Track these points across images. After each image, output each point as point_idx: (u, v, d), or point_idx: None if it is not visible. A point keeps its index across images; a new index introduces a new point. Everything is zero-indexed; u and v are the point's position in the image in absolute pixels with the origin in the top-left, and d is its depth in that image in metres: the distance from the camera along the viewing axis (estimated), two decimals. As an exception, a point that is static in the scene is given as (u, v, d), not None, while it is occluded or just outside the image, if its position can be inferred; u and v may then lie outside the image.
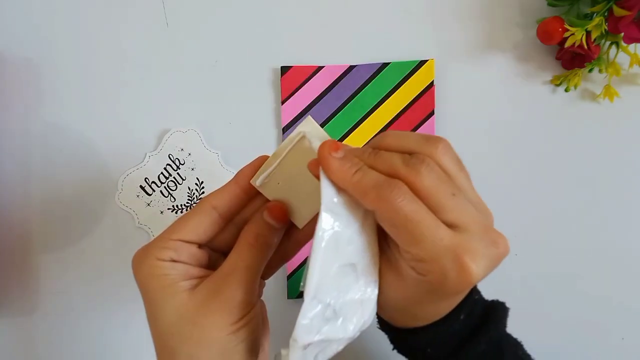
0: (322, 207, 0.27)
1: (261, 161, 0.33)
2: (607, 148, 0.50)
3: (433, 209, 0.27)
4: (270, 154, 0.35)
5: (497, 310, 0.33)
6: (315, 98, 0.50)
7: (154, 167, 0.50)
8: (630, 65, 0.48)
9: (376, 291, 0.30)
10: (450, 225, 0.27)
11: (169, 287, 0.30)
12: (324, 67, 0.50)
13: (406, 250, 0.27)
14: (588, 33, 0.46)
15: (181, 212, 0.50)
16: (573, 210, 0.50)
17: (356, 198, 0.28)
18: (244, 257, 0.31)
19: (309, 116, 0.33)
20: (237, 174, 0.33)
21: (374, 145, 0.30)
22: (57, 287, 0.50)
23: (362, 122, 0.50)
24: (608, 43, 0.48)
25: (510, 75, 0.51)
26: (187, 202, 0.50)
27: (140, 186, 0.50)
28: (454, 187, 0.28)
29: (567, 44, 0.46)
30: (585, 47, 0.46)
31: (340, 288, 0.28)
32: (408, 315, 0.32)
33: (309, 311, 0.27)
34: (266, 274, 0.35)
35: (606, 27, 0.46)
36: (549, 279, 0.50)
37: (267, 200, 0.33)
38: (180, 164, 0.50)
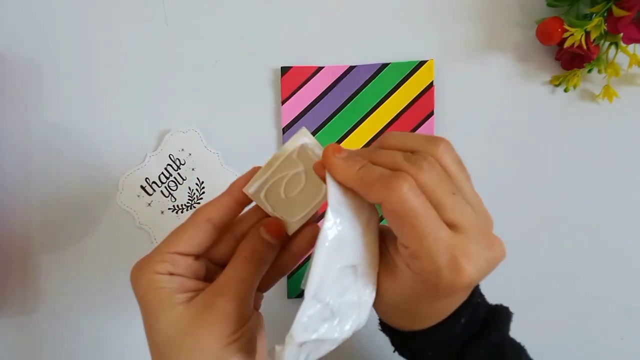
0: (329, 207, 0.28)
1: (255, 172, 0.33)
2: (606, 148, 0.50)
3: (434, 206, 0.27)
4: (270, 155, 0.35)
5: (500, 315, 0.33)
6: (315, 98, 0.50)
7: (154, 168, 0.50)
8: (630, 65, 0.48)
9: (373, 294, 0.30)
10: (449, 225, 0.27)
11: (166, 300, 0.30)
12: (324, 67, 0.50)
13: (405, 246, 0.27)
14: (587, 33, 0.46)
15: (182, 212, 0.50)
16: (573, 210, 0.50)
17: (362, 194, 0.28)
18: (239, 271, 0.31)
19: (304, 127, 0.33)
20: (230, 185, 0.33)
21: (377, 145, 0.30)
22: (57, 287, 0.50)
23: (362, 123, 0.50)
24: (607, 43, 0.48)
25: (510, 75, 0.51)
26: (188, 202, 0.50)
27: (141, 186, 0.50)
28: (454, 186, 0.28)
29: (567, 45, 0.46)
30: (585, 47, 0.46)
31: (339, 289, 0.29)
32: (407, 317, 0.32)
33: (308, 310, 0.27)
34: (264, 287, 0.36)
35: (605, 28, 0.46)
36: (549, 279, 0.50)
37: (266, 214, 0.33)
38: (180, 164, 0.50)
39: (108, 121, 0.51)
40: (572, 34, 0.46)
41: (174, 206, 0.50)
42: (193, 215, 0.32)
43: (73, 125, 0.51)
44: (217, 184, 0.50)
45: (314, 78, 0.50)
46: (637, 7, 0.43)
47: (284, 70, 0.50)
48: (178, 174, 0.50)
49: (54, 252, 0.50)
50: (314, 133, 0.50)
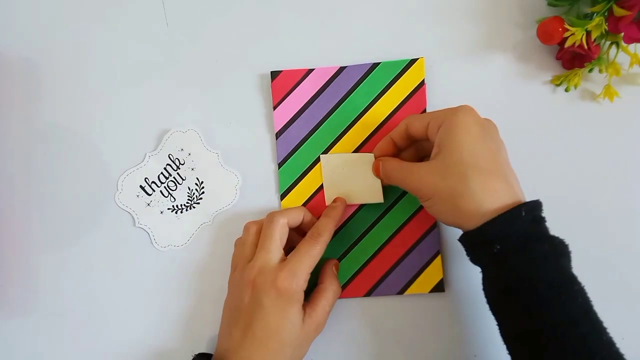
0: None
1: (298, 210, 0.47)
2: (607, 148, 0.50)
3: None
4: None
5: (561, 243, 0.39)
6: (307, 101, 0.50)
7: (154, 167, 0.50)
8: (631, 65, 0.48)
9: None
10: None
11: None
12: (314, 69, 0.50)
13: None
14: (588, 33, 0.46)
15: (181, 212, 0.50)
16: (572, 210, 0.50)
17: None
18: (329, 300, 0.45)
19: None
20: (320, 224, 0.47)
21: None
22: (57, 287, 0.50)
23: (355, 123, 0.50)
24: (608, 43, 0.48)
25: (511, 75, 0.51)
26: (187, 202, 0.50)
27: (140, 186, 0.50)
28: None
29: (567, 44, 0.46)
30: (586, 47, 0.46)
31: None
32: (469, 203, 0.39)
33: None
34: None
35: (606, 27, 0.46)
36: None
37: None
38: (180, 164, 0.50)
39: (108, 121, 0.51)
40: (572, 34, 0.45)
41: (173, 206, 0.50)
42: (296, 207, 0.48)
43: (73, 125, 0.51)
44: (217, 184, 0.50)
45: (304, 81, 0.50)
46: (638, 7, 0.43)
47: (274, 74, 0.50)
48: (177, 173, 0.50)
49: (54, 252, 0.50)
50: (307, 136, 0.50)
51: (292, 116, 0.50)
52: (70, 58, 0.51)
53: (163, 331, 0.50)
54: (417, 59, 0.50)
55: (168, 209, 0.50)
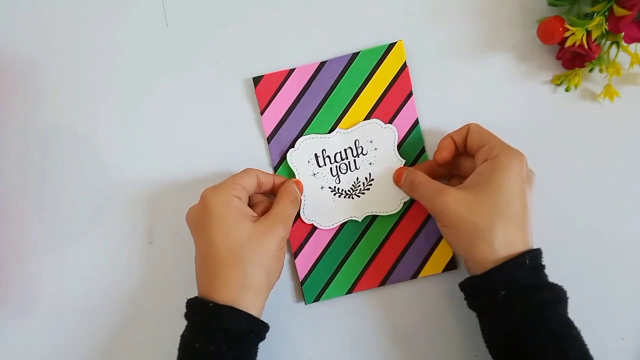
0: None
1: (248, 171, 0.46)
2: (607, 148, 0.50)
3: None
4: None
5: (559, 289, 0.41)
6: (293, 101, 0.50)
7: (336, 143, 0.49)
8: (631, 65, 0.48)
9: None
10: None
11: (240, 215, 0.43)
12: (295, 69, 0.50)
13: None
14: (588, 33, 0.46)
15: (339, 196, 0.49)
16: (572, 210, 0.50)
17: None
18: (287, 207, 0.45)
19: None
20: (275, 176, 0.48)
21: None
22: (57, 287, 0.50)
23: (344, 115, 0.50)
24: (608, 43, 0.48)
25: (511, 75, 0.51)
26: (349, 190, 0.49)
27: (315, 154, 0.49)
28: None
29: (568, 44, 0.46)
30: (586, 46, 0.45)
31: None
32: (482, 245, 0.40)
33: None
34: None
35: (607, 27, 0.46)
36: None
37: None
38: (361, 153, 0.49)
39: (107, 120, 0.51)
40: (573, 33, 0.45)
41: (335, 187, 0.49)
42: (247, 169, 0.46)
43: (73, 125, 0.51)
44: (385, 189, 0.49)
45: (287, 82, 0.50)
46: (638, 7, 0.43)
47: (256, 80, 0.50)
48: (354, 160, 0.49)
49: (54, 252, 0.50)
50: (298, 136, 0.50)
51: (280, 119, 0.50)
52: (70, 58, 0.51)
53: (166, 330, 0.50)
54: (396, 42, 0.50)
55: (329, 187, 0.49)
